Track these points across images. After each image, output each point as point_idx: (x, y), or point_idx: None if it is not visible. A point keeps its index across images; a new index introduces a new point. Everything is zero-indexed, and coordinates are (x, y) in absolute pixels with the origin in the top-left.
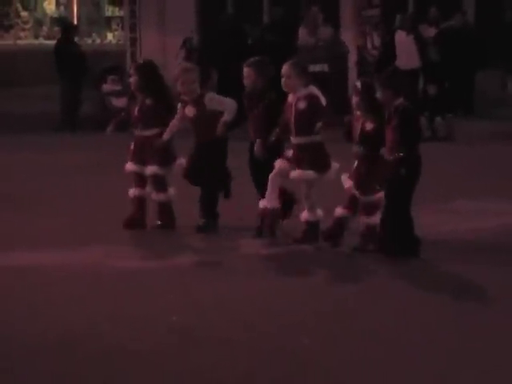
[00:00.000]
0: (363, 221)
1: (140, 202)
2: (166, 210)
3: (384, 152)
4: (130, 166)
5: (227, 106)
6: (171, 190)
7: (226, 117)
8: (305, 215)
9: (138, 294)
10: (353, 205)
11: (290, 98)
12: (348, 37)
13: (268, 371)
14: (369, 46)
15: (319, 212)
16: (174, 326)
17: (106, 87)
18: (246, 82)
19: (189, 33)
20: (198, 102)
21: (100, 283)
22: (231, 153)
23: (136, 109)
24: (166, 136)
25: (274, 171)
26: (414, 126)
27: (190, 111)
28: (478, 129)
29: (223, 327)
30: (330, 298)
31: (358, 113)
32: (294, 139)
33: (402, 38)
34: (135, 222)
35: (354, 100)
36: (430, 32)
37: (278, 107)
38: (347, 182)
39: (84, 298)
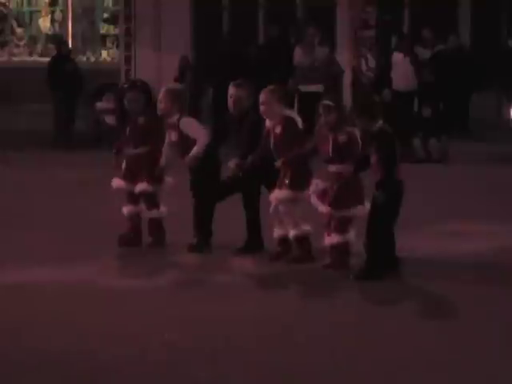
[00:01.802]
0: (335, 239)
1: (134, 219)
2: (156, 226)
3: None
4: (118, 183)
5: (200, 137)
6: (163, 208)
7: (196, 150)
8: (292, 233)
9: (129, 312)
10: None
11: (268, 123)
12: (343, 58)
13: None
14: (363, 67)
15: (306, 226)
16: (165, 344)
17: (100, 105)
18: (230, 101)
19: (184, 51)
20: (176, 126)
21: (91, 301)
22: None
23: (128, 128)
24: (162, 162)
25: (273, 205)
26: (391, 150)
27: (173, 136)
28: (473, 151)
29: (216, 345)
30: (325, 319)
31: (328, 130)
32: (277, 162)
33: (399, 60)
34: (130, 240)
35: (324, 119)
36: (425, 54)
37: (261, 127)
38: (320, 206)
39: (75, 316)
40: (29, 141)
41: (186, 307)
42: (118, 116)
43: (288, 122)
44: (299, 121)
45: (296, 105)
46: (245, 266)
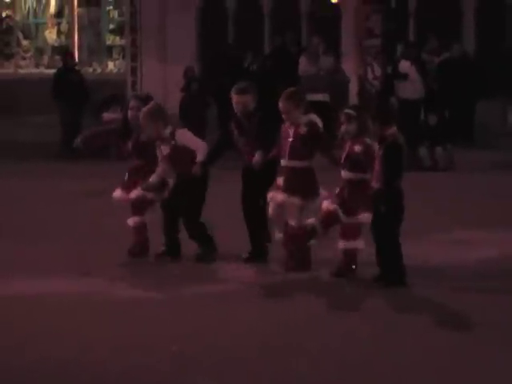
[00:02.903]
0: (343, 245)
1: (140, 230)
2: (138, 234)
3: (368, 177)
4: (117, 193)
5: (199, 146)
6: (147, 217)
7: (200, 157)
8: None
9: (135, 323)
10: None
11: (287, 124)
12: (349, 66)
13: None
14: (369, 75)
15: (310, 220)
16: (171, 354)
17: (107, 116)
18: (238, 107)
19: (190, 62)
20: (169, 140)
21: (98, 312)
22: (221, 181)
23: (130, 143)
24: (153, 179)
25: (272, 206)
26: (397, 159)
27: (164, 149)
28: (479, 159)
29: (222, 356)
30: (326, 329)
31: (346, 137)
32: (287, 162)
33: (406, 68)
34: (138, 250)
35: (344, 127)
36: (432, 62)
37: (269, 121)
38: (330, 205)
39: (81, 327)
40: (35, 152)
41: (192, 318)
42: (120, 127)
43: (313, 126)
44: (322, 127)
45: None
46: (249, 275)
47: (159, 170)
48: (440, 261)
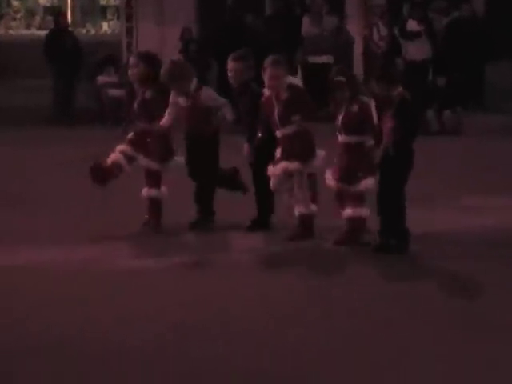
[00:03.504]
0: (347, 213)
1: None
2: (154, 207)
3: (366, 140)
4: (121, 147)
5: (225, 104)
6: (164, 189)
7: (228, 115)
8: (298, 209)
9: (137, 294)
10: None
11: (267, 91)
12: (353, 27)
13: (270, 368)
14: (375, 36)
15: (313, 206)
16: (174, 324)
17: (102, 79)
18: (230, 75)
19: (187, 23)
20: (193, 96)
21: (102, 282)
22: (231, 148)
23: (136, 102)
24: (164, 122)
25: (273, 179)
26: (409, 116)
27: (183, 101)
28: (488, 122)
29: (222, 324)
30: (330, 297)
31: (341, 104)
32: (280, 132)
33: (414, 28)
34: (154, 223)
35: (339, 96)
36: (440, 22)
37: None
38: (332, 181)
39: (83, 297)
40: (27, 118)
41: (194, 288)
42: (127, 90)
43: (293, 89)
44: (303, 87)
45: (300, 76)
46: (252, 244)
47: (167, 117)
48: (445, 227)
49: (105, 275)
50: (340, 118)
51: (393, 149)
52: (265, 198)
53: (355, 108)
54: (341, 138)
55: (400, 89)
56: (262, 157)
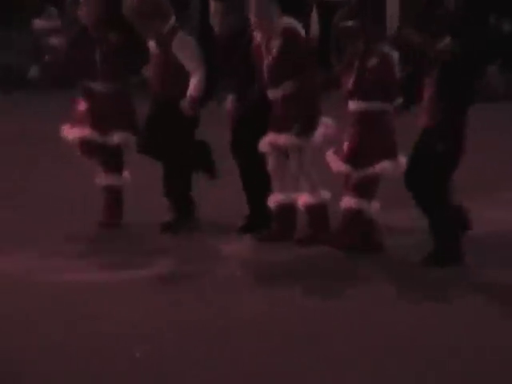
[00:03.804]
0: (346, 202)
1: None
2: (113, 197)
3: (387, 107)
4: (80, 132)
5: (196, 68)
6: (126, 174)
7: (194, 89)
8: (305, 199)
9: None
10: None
11: (259, 37)
12: None
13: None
14: None
15: (324, 192)
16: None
17: (40, 23)
18: (215, 21)
19: None
20: (164, 41)
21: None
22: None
23: (94, 53)
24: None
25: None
26: (461, 80)
27: (152, 47)
28: None
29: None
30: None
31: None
32: (271, 93)
33: None
34: (108, 217)
35: (351, 48)
36: None
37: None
38: (335, 162)
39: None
40: None
41: (164, 313)
42: (73, 37)
43: (288, 36)
44: (303, 33)
45: (315, 16)
46: (243, 251)
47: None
48: (496, 224)
49: (59, 289)
50: (352, 78)
51: (441, 142)
52: (256, 186)
53: (373, 62)
54: (352, 105)
55: (447, 40)
56: (251, 128)
